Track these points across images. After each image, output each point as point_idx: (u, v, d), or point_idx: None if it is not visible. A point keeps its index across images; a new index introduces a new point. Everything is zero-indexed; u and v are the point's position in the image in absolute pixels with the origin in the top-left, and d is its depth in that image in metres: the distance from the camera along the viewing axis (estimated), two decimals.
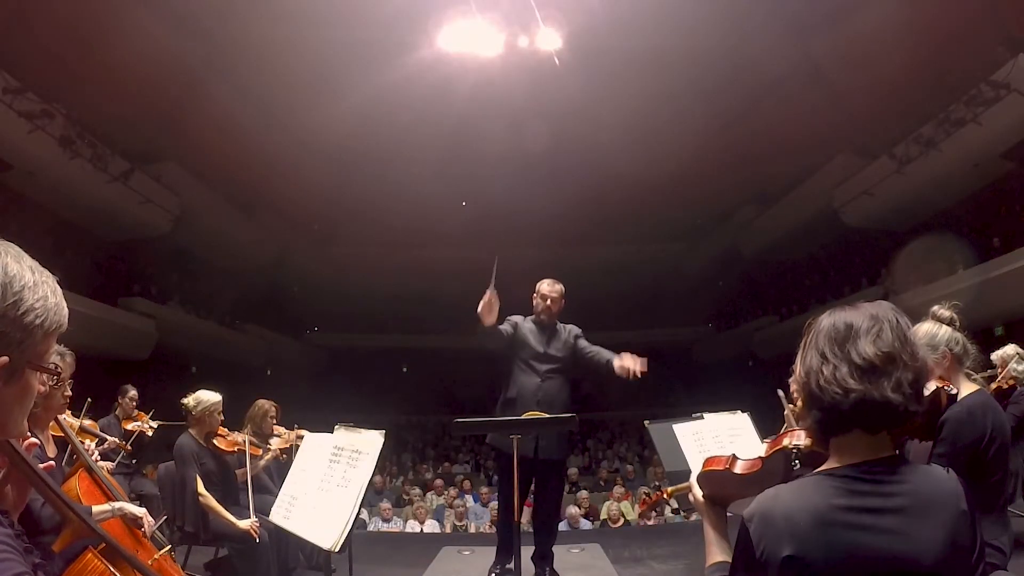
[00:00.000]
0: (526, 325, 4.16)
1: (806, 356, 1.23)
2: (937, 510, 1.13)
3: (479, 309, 3.71)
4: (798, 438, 1.43)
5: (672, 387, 20.04)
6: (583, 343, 4.15)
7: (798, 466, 1.40)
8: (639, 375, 3.71)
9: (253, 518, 3.71)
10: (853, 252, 15.09)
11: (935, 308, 2.35)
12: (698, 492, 1.56)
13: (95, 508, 2.31)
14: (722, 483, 1.51)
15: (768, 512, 1.14)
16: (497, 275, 3.69)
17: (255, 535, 3.65)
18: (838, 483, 1.14)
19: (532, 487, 4.16)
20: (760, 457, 1.48)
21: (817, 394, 1.18)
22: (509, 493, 3.66)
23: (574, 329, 4.22)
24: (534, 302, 4.18)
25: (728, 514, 1.54)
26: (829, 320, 1.23)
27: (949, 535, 1.12)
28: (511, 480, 3.29)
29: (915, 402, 1.16)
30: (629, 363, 3.74)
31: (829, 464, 1.21)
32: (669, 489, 2.00)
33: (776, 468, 1.43)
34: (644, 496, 2.39)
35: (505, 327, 4.07)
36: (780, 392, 3.11)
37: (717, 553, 1.46)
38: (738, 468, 1.48)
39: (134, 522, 2.32)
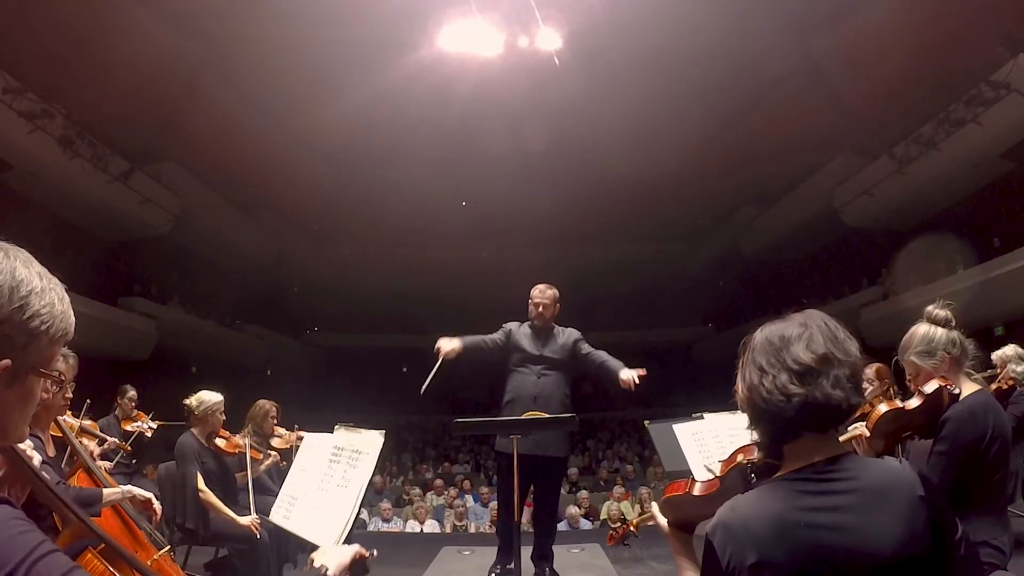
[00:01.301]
0: (521, 331, 4.23)
1: (745, 373, 1.27)
2: (891, 500, 1.15)
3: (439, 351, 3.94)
4: (751, 453, 1.45)
5: (672, 387, 20.04)
6: (584, 347, 4.19)
7: (755, 479, 1.42)
8: (637, 381, 3.84)
9: (254, 515, 3.71)
10: (853, 252, 15.08)
11: (929, 308, 2.29)
12: (661, 520, 1.59)
13: (106, 491, 2.32)
14: (685, 507, 1.54)
15: (728, 522, 1.17)
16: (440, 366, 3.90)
17: (256, 531, 3.65)
18: (792, 486, 1.17)
19: (532, 487, 4.17)
20: (717, 476, 1.52)
21: (761, 406, 1.22)
22: (509, 492, 3.67)
23: (573, 333, 4.26)
24: (529, 308, 4.24)
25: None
26: (761, 335, 1.28)
27: (906, 523, 1.14)
28: (511, 479, 3.29)
29: (856, 395, 1.20)
30: (629, 376, 3.87)
31: (783, 470, 1.23)
32: (635, 520, 2.01)
33: (734, 485, 1.46)
34: (611, 531, 2.41)
35: (496, 337, 4.17)
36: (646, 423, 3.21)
37: (686, 570, 1.49)
38: (697, 490, 1.52)
39: (143, 504, 2.31)
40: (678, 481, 1.56)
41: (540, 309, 4.19)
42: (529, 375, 4.11)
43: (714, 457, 2.84)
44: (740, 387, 1.29)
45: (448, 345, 3.96)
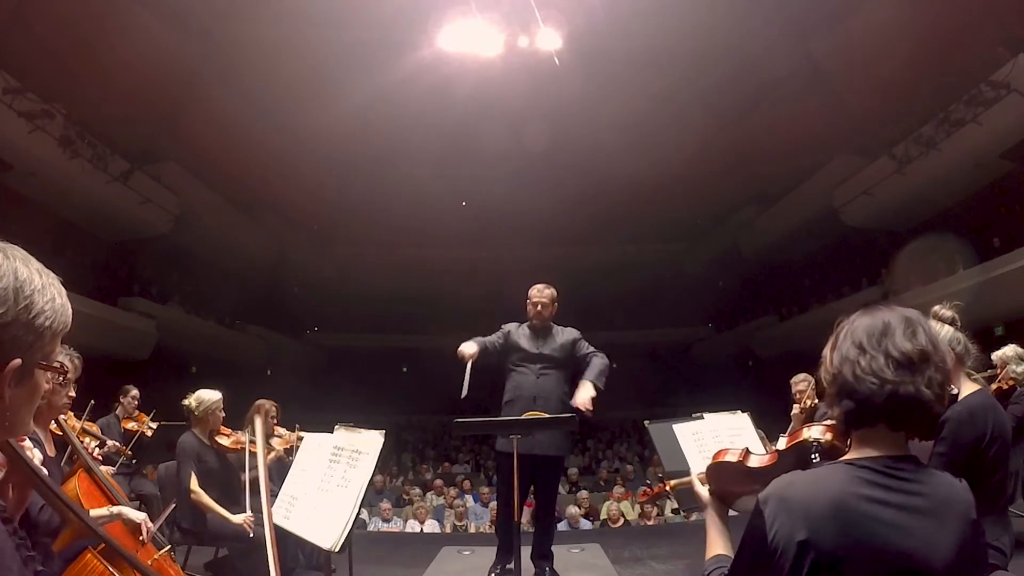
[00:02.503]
0: (520, 331, 4.21)
1: (841, 347, 1.24)
2: (952, 516, 1.15)
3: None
4: (817, 432, 1.40)
5: (672, 387, 20.05)
6: (583, 346, 4.19)
7: (818, 459, 1.38)
8: (587, 409, 3.84)
9: (248, 513, 3.71)
10: (853, 252, 15.08)
11: (936, 308, 2.34)
12: (701, 488, 1.54)
13: (93, 512, 2.31)
14: (732, 477, 1.47)
15: (785, 495, 1.14)
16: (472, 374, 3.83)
17: (249, 529, 3.65)
18: (859, 473, 1.15)
19: (532, 487, 4.17)
20: (776, 451, 1.45)
21: (851, 384, 1.19)
22: (509, 492, 3.67)
23: (572, 332, 4.24)
24: (527, 308, 4.24)
25: (732, 513, 1.52)
26: (866, 316, 1.25)
27: (959, 542, 1.13)
28: (511, 479, 3.29)
29: (940, 405, 1.19)
30: (583, 400, 3.86)
31: (850, 455, 1.21)
32: (672, 482, 1.98)
33: (791, 463, 1.39)
34: (645, 488, 2.39)
35: (495, 338, 4.16)
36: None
37: (719, 546, 1.44)
38: (752, 462, 1.44)
39: (134, 528, 2.31)
40: (730, 448, 1.50)
41: (539, 308, 4.17)
42: (528, 375, 4.10)
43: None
44: (829, 360, 1.26)
45: (470, 349, 3.94)
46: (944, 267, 11.14)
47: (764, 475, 1.39)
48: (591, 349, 4.17)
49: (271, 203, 16.02)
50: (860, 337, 1.22)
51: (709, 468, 1.52)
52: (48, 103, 9.94)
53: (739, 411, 3.41)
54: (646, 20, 10.61)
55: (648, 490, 2.06)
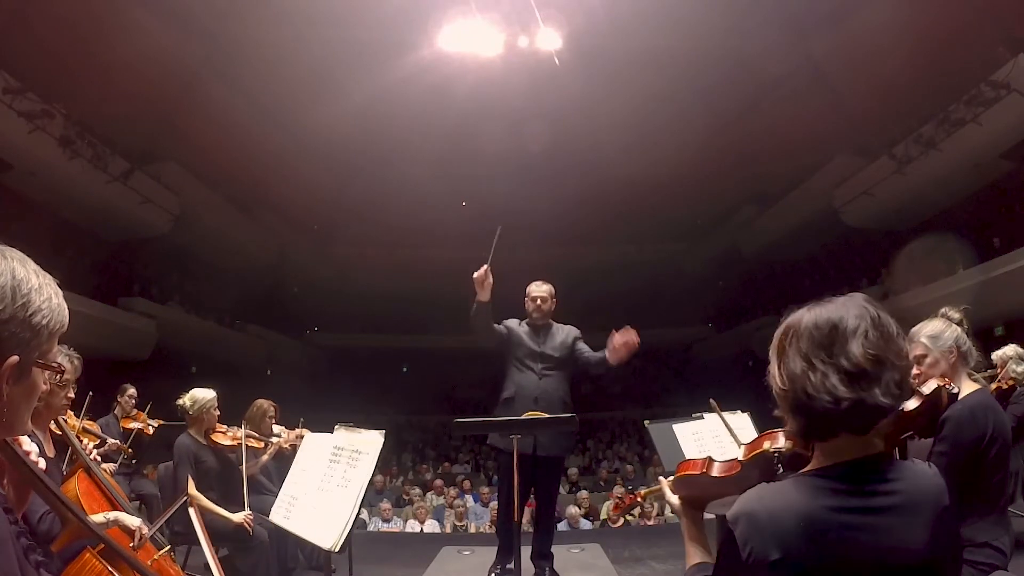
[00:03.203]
0: (521, 328, 4.19)
1: (787, 360, 1.16)
2: (923, 507, 1.12)
3: (474, 277, 3.79)
4: (778, 441, 1.39)
5: (672, 387, 20.06)
6: (582, 347, 4.18)
7: (781, 470, 1.37)
8: (635, 346, 3.80)
9: (247, 511, 3.71)
10: (853, 252, 15.08)
11: (945, 309, 2.40)
12: (671, 496, 1.54)
13: (90, 518, 2.30)
14: (699, 486, 1.48)
15: (754, 513, 1.10)
16: (495, 254, 3.75)
17: (249, 527, 3.65)
18: (825, 483, 1.11)
19: (533, 487, 4.16)
20: (738, 460, 1.45)
21: (804, 402, 1.12)
22: (509, 492, 3.66)
23: (573, 330, 4.23)
24: (526, 305, 4.23)
25: (706, 516, 1.52)
26: (809, 318, 1.17)
27: (933, 531, 1.11)
28: (511, 479, 3.29)
29: (902, 400, 1.14)
30: (620, 339, 3.80)
31: (814, 464, 1.18)
32: (643, 491, 1.98)
33: (756, 471, 1.40)
34: (616, 500, 2.36)
35: (499, 328, 4.12)
36: (712, 402, 3.07)
37: (696, 554, 1.44)
38: (715, 471, 1.45)
39: (129, 533, 2.31)
40: (693, 459, 1.50)
41: (538, 303, 4.16)
42: (530, 375, 4.08)
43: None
44: (777, 373, 1.18)
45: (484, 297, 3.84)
46: (944, 267, 11.13)
47: (730, 483, 1.41)
48: (587, 351, 4.17)
49: (271, 203, 16.02)
50: (806, 348, 1.13)
51: (675, 480, 1.54)
52: (48, 103, 9.94)
53: (739, 411, 3.42)
54: (646, 20, 10.61)
55: (620, 502, 2.07)
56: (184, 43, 10.95)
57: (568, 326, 4.26)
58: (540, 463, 3.95)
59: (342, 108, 12.06)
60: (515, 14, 10.57)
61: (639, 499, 2.00)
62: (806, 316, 1.18)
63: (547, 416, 3.73)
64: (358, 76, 11.50)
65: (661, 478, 1.60)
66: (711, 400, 3.13)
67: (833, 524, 1.08)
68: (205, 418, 4.04)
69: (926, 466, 1.19)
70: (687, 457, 3.08)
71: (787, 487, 1.14)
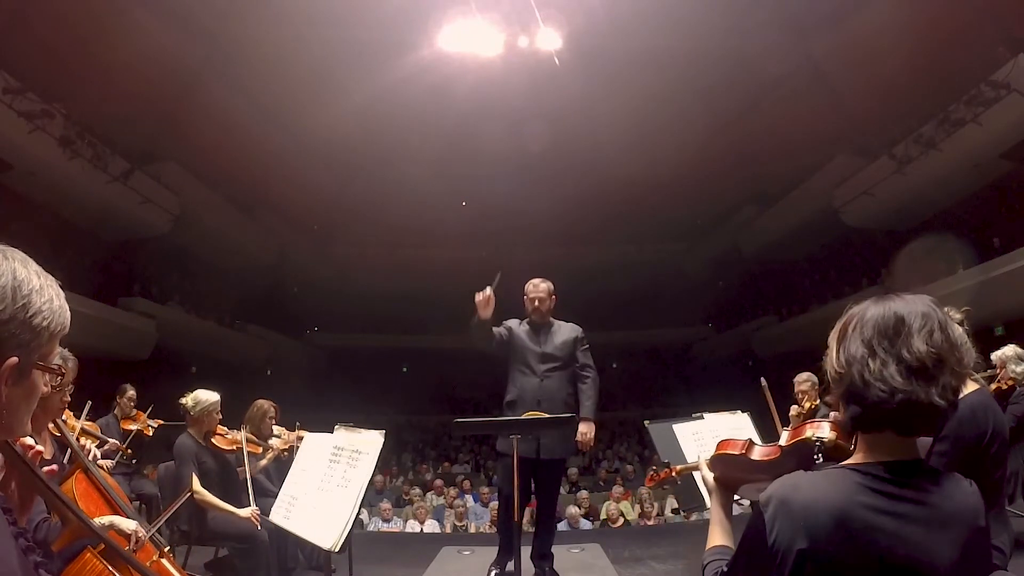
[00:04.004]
0: (521, 328, 4.15)
1: (848, 344, 1.14)
2: (957, 524, 1.10)
3: (476, 300, 3.80)
4: (821, 430, 1.37)
5: (672, 387, 20.06)
6: (582, 355, 4.13)
7: (820, 459, 1.36)
8: (585, 447, 4.02)
9: (254, 506, 3.70)
10: (853, 252, 15.08)
11: (947, 310, 2.36)
12: (707, 473, 1.52)
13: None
14: (735, 467, 1.47)
15: (786, 499, 1.09)
16: (499, 285, 3.81)
17: (256, 522, 3.64)
18: (864, 480, 1.09)
19: (533, 487, 4.15)
20: (779, 445, 1.44)
21: (859, 387, 1.11)
22: (510, 493, 3.66)
23: (576, 329, 4.19)
24: (524, 304, 4.20)
25: (736, 510, 1.52)
26: (878, 309, 1.15)
27: (963, 550, 1.09)
28: (512, 480, 3.29)
29: (953, 409, 1.12)
30: (583, 435, 3.97)
31: (856, 459, 1.16)
32: (678, 467, 1.98)
33: (794, 459, 1.38)
34: (652, 472, 2.37)
35: (499, 330, 4.09)
36: (763, 382, 3.01)
37: (719, 536, 1.42)
38: (755, 454, 1.44)
39: (126, 537, 2.31)
40: (734, 439, 1.49)
41: (536, 303, 4.11)
42: (532, 377, 4.03)
43: None
44: (835, 357, 1.16)
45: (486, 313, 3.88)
46: (944, 267, 11.13)
47: (766, 468, 1.39)
48: (587, 361, 4.12)
49: (271, 203, 16.02)
50: (869, 335, 1.12)
51: (712, 457, 1.52)
52: (48, 103, 9.94)
53: (739, 411, 3.42)
54: (646, 20, 10.61)
55: (655, 474, 2.05)
56: (184, 43, 10.95)
57: (571, 324, 4.21)
58: (542, 465, 3.93)
59: (342, 108, 12.06)
60: (515, 14, 10.58)
61: (674, 474, 1.99)
62: (873, 307, 1.17)
63: (546, 416, 3.71)
64: (358, 76, 11.50)
65: (700, 455, 1.58)
66: (762, 379, 3.08)
67: (865, 522, 1.06)
68: (206, 420, 4.02)
69: (966, 483, 1.16)
70: (686, 457, 3.09)
71: (825, 477, 1.12)
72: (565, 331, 4.15)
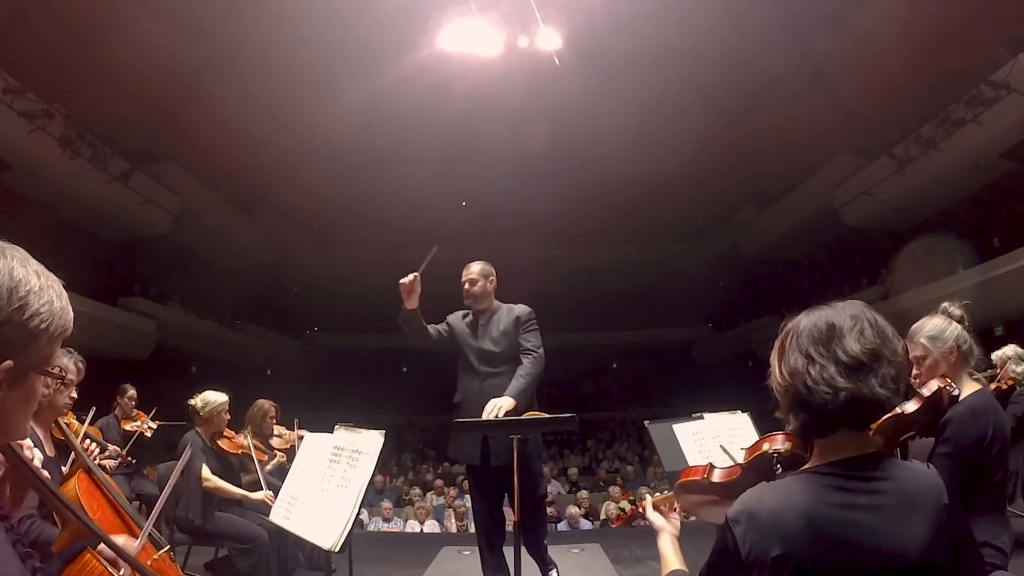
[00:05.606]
0: (465, 320, 3.63)
1: (788, 358, 1.21)
2: (921, 505, 1.14)
3: (400, 283, 3.39)
4: (777, 443, 1.42)
5: (672, 387, 20.06)
6: (523, 333, 3.46)
7: (780, 470, 1.39)
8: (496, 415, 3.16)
9: (267, 490, 3.70)
10: (853, 252, 15.08)
11: (945, 305, 2.34)
12: (652, 514, 1.59)
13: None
14: (700, 492, 1.50)
15: (755, 511, 1.13)
16: (430, 265, 3.37)
17: (271, 503, 3.63)
18: (825, 481, 1.14)
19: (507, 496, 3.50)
20: (738, 464, 1.48)
21: (805, 395, 1.16)
22: (480, 503, 3.52)
23: (519, 309, 3.53)
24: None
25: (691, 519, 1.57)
26: (809, 320, 1.22)
27: (933, 529, 1.13)
28: (479, 489, 3.20)
29: (898, 397, 1.18)
30: (490, 410, 3.15)
31: (813, 462, 1.20)
32: (642, 503, 1.99)
33: (755, 474, 1.42)
34: (620, 513, 2.31)
35: (441, 326, 3.64)
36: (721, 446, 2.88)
37: (675, 562, 1.52)
38: (716, 476, 1.48)
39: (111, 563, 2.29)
40: (695, 466, 1.53)
41: (466, 287, 3.54)
42: (473, 378, 3.48)
43: (714, 457, 2.83)
44: (778, 372, 1.23)
45: (412, 305, 3.39)
46: (944, 267, 11.14)
47: (730, 488, 1.43)
48: (530, 344, 3.44)
49: (271, 203, 16.02)
50: (806, 345, 1.19)
51: (678, 487, 1.57)
52: (48, 103, 9.94)
53: (739, 411, 3.41)
54: (646, 20, 10.60)
55: (622, 513, 2.07)
56: (184, 43, 10.94)
57: (514, 305, 3.56)
58: (498, 474, 3.42)
59: (342, 108, 12.05)
60: (515, 14, 10.57)
61: (641, 510, 2.00)
62: (804, 318, 1.24)
63: (546, 416, 3.59)
64: (358, 76, 11.50)
65: (647, 497, 1.64)
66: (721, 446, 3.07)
67: (833, 519, 1.10)
68: (215, 420, 4.04)
69: (923, 465, 1.21)
70: (686, 457, 3.09)
71: (786, 484, 1.16)
72: (504, 317, 3.51)
